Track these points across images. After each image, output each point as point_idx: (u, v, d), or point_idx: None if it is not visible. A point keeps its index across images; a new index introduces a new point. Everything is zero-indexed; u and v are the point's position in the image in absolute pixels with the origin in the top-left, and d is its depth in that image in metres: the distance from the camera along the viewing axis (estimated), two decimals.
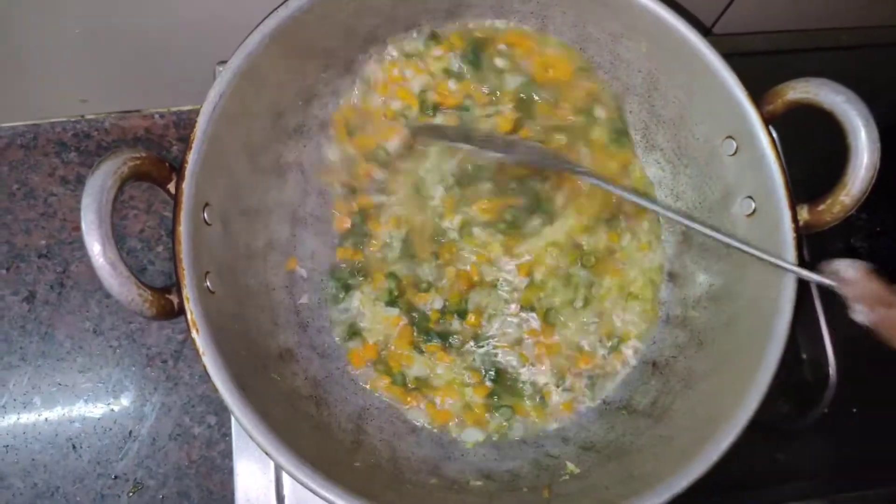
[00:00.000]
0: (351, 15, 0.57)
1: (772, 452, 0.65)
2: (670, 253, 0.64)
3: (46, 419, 0.66)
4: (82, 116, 0.74)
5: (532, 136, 0.63)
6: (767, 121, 0.52)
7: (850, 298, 0.47)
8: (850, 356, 0.68)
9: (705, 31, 0.74)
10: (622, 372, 0.61)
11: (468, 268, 0.62)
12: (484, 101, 0.63)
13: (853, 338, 0.68)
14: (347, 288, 0.61)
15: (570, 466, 0.55)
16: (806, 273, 0.49)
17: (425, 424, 0.59)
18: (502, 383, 0.60)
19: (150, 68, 0.69)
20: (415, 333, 0.61)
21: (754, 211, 0.54)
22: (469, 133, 0.63)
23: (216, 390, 0.44)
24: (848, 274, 0.47)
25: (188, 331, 0.45)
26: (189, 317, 0.44)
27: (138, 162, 0.45)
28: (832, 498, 0.65)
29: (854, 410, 0.67)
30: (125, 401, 0.67)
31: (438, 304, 0.61)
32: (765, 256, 0.50)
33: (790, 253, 0.50)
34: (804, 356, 0.68)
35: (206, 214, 0.49)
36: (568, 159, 0.62)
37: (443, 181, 0.63)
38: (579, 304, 0.62)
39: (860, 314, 0.47)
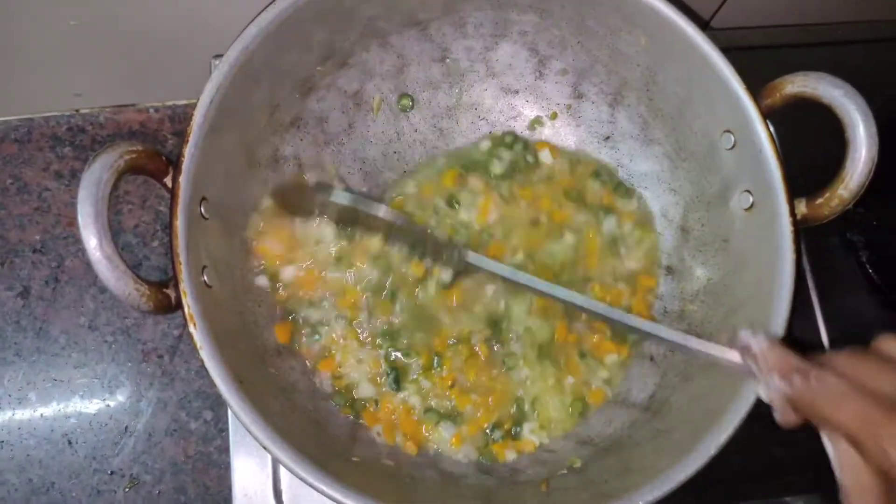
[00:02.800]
0: (348, 7, 0.57)
1: (768, 446, 0.65)
2: (668, 246, 0.64)
3: (42, 415, 0.66)
4: (77, 111, 0.74)
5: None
6: (766, 115, 0.52)
7: (760, 372, 0.42)
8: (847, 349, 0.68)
9: (703, 24, 0.74)
10: None
11: None
12: None
13: (849, 332, 0.68)
14: None
15: (569, 460, 0.55)
16: (712, 350, 0.46)
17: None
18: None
19: (146, 62, 0.69)
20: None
21: (752, 205, 0.54)
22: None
23: (213, 385, 0.44)
24: (755, 346, 0.43)
25: (185, 326, 0.45)
26: (186, 311, 0.44)
27: (135, 155, 0.44)
28: (828, 491, 0.65)
29: None
30: (121, 396, 0.67)
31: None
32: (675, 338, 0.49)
33: (788, 247, 0.50)
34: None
35: (202, 208, 0.48)
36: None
37: None
38: None
39: (773, 388, 0.41)
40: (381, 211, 0.57)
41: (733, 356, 0.46)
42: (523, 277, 0.54)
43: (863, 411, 0.35)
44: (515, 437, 0.59)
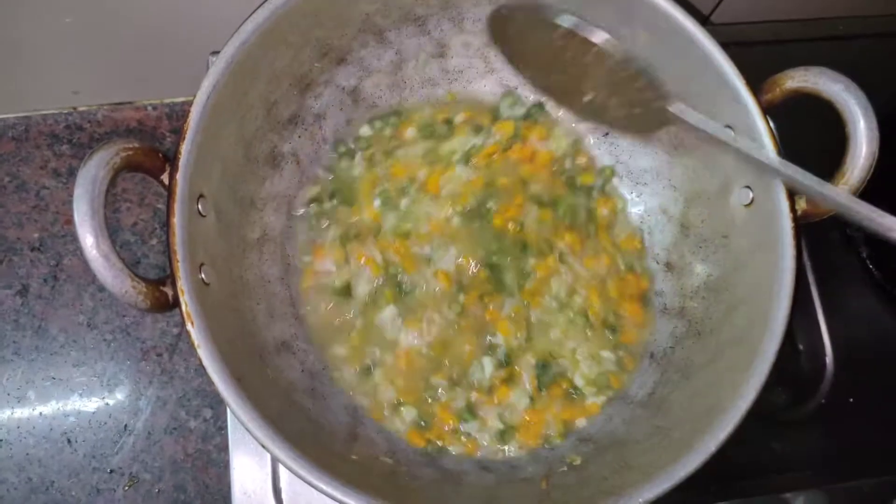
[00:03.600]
0: (345, 3, 0.56)
1: (768, 442, 0.65)
2: (668, 242, 0.63)
3: (41, 413, 0.66)
4: (74, 108, 0.74)
5: None
6: (766, 110, 0.52)
7: None
8: (847, 346, 0.68)
9: (703, 19, 0.73)
10: None
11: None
12: None
13: (850, 328, 0.68)
14: None
15: (569, 457, 0.55)
16: None
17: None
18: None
19: (143, 59, 0.68)
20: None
21: (752, 201, 0.54)
22: None
23: (212, 383, 0.44)
24: None
25: (184, 324, 0.44)
26: (184, 309, 0.44)
27: (131, 152, 0.44)
28: (828, 488, 0.65)
29: (850, 400, 0.67)
30: (120, 395, 0.67)
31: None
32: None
33: (789, 243, 0.50)
34: (801, 346, 0.68)
35: (200, 206, 0.48)
36: None
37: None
38: None
39: None
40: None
41: None
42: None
43: None
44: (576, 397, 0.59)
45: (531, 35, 0.59)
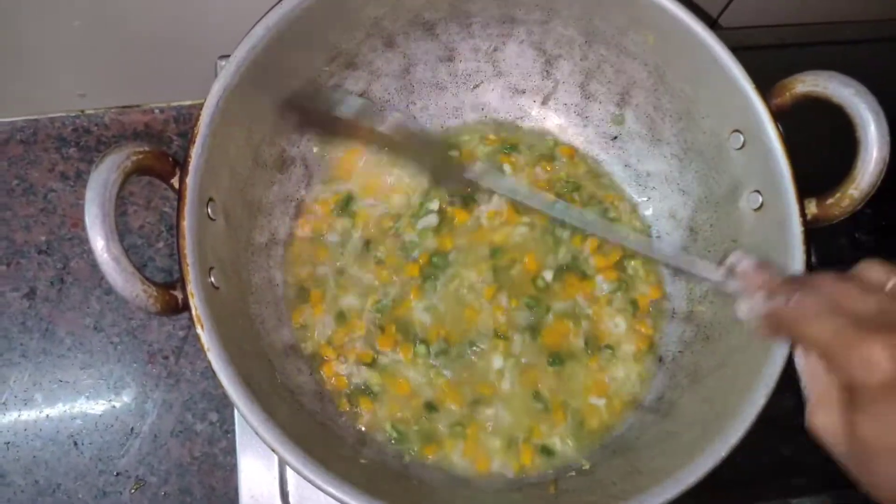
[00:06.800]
0: (353, 8, 0.56)
1: (777, 447, 0.65)
2: (677, 247, 0.63)
3: (48, 416, 0.66)
4: (82, 111, 0.74)
5: None
6: (775, 114, 0.52)
7: (745, 290, 0.45)
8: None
9: (711, 23, 0.73)
10: None
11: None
12: None
13: None
14: None
15: (577, 462, 0.55)
16: (699, 269, 0.49)
17: None
18: None
19: (150, 62, 0.69)
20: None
21: (762, 205, 0.54)
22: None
23: (219, 387, 0.44)
24: (743, 266, 0.46)
25: (190, 327, 0.45)
26: (194, 312, 0.44)
27: (142, 156, 0.44)
28: (838, 493, 0.65)
29: None
30: (126, 397, 0.67)
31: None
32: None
33: (798, 248, 0.50)
34: None
35: (209, 209, 0.48)
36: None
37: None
38: None
39: (756, 306, 0.43)
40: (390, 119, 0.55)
41: (718, 275, 0.48)
42: (532, 198, 0.55)
43: (836, 330, 0.37)
44: None
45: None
